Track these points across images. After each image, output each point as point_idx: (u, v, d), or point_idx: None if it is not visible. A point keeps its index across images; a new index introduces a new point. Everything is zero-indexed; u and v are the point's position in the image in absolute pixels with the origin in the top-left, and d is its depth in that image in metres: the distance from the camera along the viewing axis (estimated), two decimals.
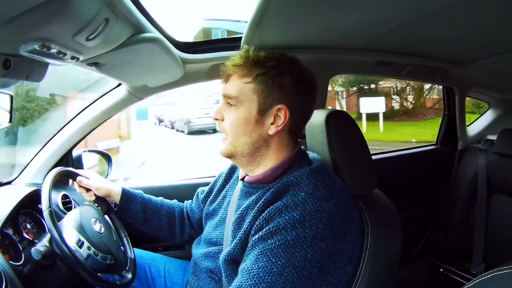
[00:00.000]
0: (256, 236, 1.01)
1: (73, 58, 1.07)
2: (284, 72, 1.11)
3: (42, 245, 1.27)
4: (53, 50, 0.95)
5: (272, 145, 1.14)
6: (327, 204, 1.02)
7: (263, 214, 1.03)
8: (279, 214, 1.00)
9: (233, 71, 1.14)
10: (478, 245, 2.25)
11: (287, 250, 0.96)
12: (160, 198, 1.59)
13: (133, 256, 1.47)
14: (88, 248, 1.28)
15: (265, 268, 0.95)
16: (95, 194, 1.52)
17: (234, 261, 1.09)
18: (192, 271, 1.34)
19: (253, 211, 1.08)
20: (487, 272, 0.68)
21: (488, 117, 2.84)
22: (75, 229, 1.30)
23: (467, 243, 2.30)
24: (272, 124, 1.12)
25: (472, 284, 0.69)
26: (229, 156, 1.17)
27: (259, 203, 1.08)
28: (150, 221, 1.53)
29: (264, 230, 1.00)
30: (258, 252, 0.98)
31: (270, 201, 1.05)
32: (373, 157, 1.38)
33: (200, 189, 1.57)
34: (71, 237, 1.28)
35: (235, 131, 1.13)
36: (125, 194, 1.52)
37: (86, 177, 1.51)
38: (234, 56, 1.15)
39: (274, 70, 1.11)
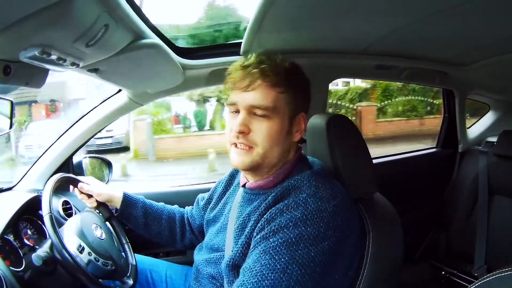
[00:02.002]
0: (258, 236, 1.01)
1: (73, 64, 1.07)
2: (306, 82, 1.16)
3: (43, 251, 1.27)
4: (53, 56, 0.95)
5: (291, 151, 1.17)
6: (328, 205, 1.01)
7: (264, 216, 1.03)
8: (280, 213, 1.00)
9: (262, 80, 1.08)
10: (479, 247, 2.25)
11: (290, 247, 0.95)
12: (161, 204, 1.59)
13: (134, 263, 1.47)
14: (89, 253, 1.28)
15: (268, 265, 0.95)
16: (96, 200, 1.52)
17: (236, 266, 1.08)
18: (194, 277, 1.33)
19: (254, 216, 1.08)
20: (489, 274, 0.68)
21: (488, 119, 2.84)
22: (76, 235, 1.30)
23: (468, 246, 2.30)
24: (296, 131, 1.14)
25: (474, 286, 0.70)
26: (254, 167, 1.13)
27: (260, 208, 1.08)
28: (151, 226, 1.53)
29: (266, 229, 1.00)
30: (260, 251, 0.98)
31: (271, 205, 1.05)
32: (374, 160, 1.38)
33: (200, 196, 1.57)
34: (71, 242, 1.28)
35: (269, 143, 1.09)
36: (126, 199, 1.52)
37: (87, 183, 1.51)
38: (257, 62, 1.10)
39: (299, 79, 1.14)
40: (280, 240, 0.96)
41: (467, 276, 2.24)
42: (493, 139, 2.41)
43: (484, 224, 2.26)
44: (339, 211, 1.03)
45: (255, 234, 1.03)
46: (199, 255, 1.34)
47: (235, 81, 1.11)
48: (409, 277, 2.23)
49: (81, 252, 1.27)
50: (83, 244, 1.28)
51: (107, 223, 1.51)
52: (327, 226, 0.99)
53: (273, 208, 1.03)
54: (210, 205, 1.43)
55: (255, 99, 1.08)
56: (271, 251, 0.96)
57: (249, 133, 1.09)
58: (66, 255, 1.20)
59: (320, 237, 0.97)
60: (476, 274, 2.19)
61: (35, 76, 1.10)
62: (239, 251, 1.07)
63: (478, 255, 2.24)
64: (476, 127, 2.83)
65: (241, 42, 1.51)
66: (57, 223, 1.26)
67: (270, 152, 1.10)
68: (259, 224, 1.03)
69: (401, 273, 1.29)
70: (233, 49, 1.65)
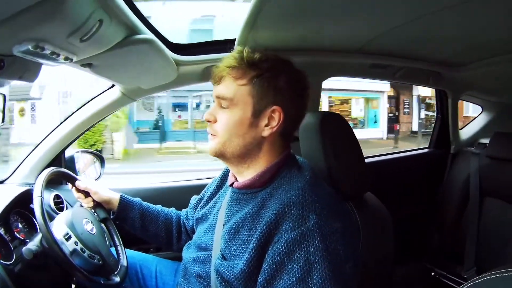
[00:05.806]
0: (287, 277, 0.96)
1: (66, 59, 1.06)
2: (279, 74, 1.10)
3: (33, 244, 1.26)
4: (47, 51, 0.95)
5: (264, 148, 1.13)
6: (338, 224, 1.01)
7: (278, 246, 0.98)
8: (298, 246, 0.96)
9: (227, 73, 1.11)
10: (470, 248, 2.27)
11: (334, 281, 0.94)
12: (158, 206, 1.58)
13: (125, 264, 1.44)
14: (75, 243, 1.27)
15: None
16: (93, 200, 1.51)
17: (248, 279, 1.04)
18: (182, 274, 1.33)
19: (252, 225, 1.06)
20: (478, 277, 0.68)
21: (481, 120, 2.86)
22: (65, 224, 1.29)
23: (459, 247, 2.32)
24: (266, 126, 1.10)
25: None
26: (219, 155, 1.15)
27: (254, 215, 1.07)
28: (148, 228, 1.52)
29: (295, 270, 0.95)
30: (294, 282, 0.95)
31: (272, 221, 1.01)
32: (366, 160, 1.39)
33: (193, 197, 1.56)
34: (59, 230, 1.27)
35: (228, 133, 1.11)
36: (123, 201, 1.51)
37: (83, 182, 1.50)
38: (227, 58, 1.13)
39: (269, 72, 1.09)
40: (321, 280, 0.93)
41: (457, 278, 2.25)
42: (486, 140, 2.43)
43: (475, 226, 2.27)
44: (343, 225, 1.03)
45: (274, 266, 0.98)
46: (188, 253, 1.34)
47: (212, 76, 1.17)
48: (399, 277, 2.25)
49: (67, 240, 1.26)
50: (70, 233, 1.28)
51: (102, 224, 1.49)
52: (345, 246, 1.00)
53: (286, 237, 0.98)
54: (201, 204, 1.42)
55: (218, 91, 1.14)
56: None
57: (215, 123, 1.15)
58: (50, 239, 1.20)
59: (344, 259, 0.98)
60: (465, 276, 2.21)
61: (28, 70, 1.10)
62: (247, 267, 1.03)
63: (468, 256, 2.26)
64: (469, 128, 2.85)
65: (235, 39, 1.50)
66: (48, 217, 1.25)
67: (229, 142, 1.12)
68: (272, 254, 0.99)
69: (391, 272, 1.30)
70: (227, 46, 1.63)
